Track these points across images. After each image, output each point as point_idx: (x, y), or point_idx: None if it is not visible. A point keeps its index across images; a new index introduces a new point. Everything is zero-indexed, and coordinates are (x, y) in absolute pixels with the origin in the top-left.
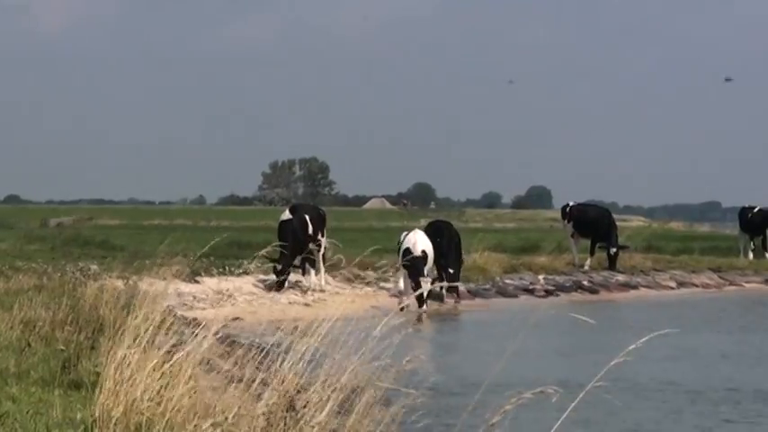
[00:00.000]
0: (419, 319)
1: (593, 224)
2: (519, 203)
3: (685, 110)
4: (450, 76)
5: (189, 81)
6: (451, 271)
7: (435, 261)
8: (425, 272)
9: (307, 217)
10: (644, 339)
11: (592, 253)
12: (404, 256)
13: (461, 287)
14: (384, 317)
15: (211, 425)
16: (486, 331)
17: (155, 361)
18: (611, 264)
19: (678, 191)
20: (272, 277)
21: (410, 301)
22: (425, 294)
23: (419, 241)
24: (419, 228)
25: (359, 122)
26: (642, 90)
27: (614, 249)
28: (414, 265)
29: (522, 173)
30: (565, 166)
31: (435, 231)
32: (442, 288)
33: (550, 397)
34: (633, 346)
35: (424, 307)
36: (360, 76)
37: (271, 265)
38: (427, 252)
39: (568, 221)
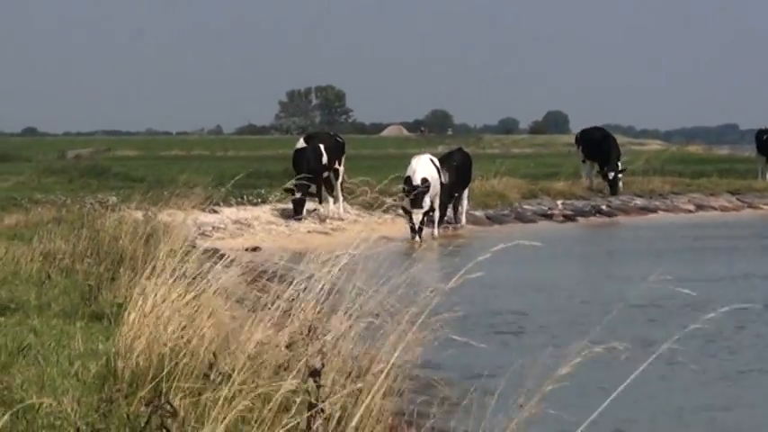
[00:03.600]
0: (413, 249)
1: (597, 147)
2: (536, 129)
3: (703, 32)
4: (464, 0)
5: (204, 10)
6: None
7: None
8: (428, 200)
9: (321, 146)
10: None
11: (602, 176)
12: (404, 183)
13: (480, 213)
14: (392, 247)
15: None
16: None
17: (178, 292)
18: (611, 188)
19: (696, 114)
20: (290, 206)
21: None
22: (417, 225)
23: (419, 170)
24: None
25: (375, 49)
26: (660, 12)
27: (611, 174)
28: (412, 195)
29: (539, 98)
30: (582, 91)
31: (441, 160)
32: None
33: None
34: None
35: (417, 237)
36: (373, 1)
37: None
38: (429, 180)
39: (579, 147)
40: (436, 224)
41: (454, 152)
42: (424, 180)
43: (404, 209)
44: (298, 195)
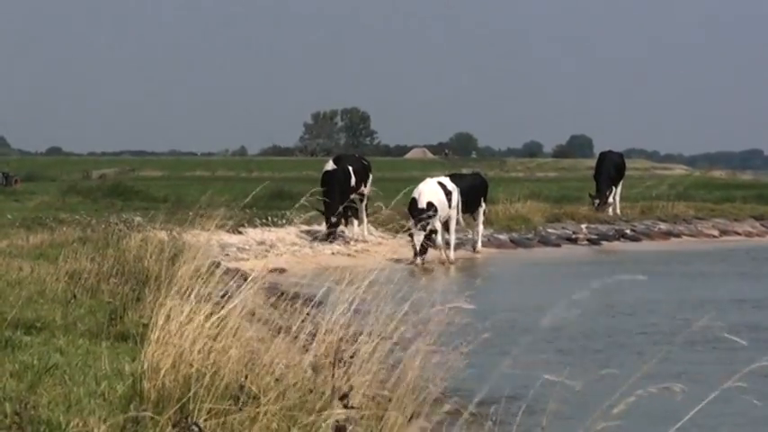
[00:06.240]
0: (413, 271)
1: (596, 168)
2: (560, 152)
3: (726, 57)
4: (488, 24)
5: (231, 33)
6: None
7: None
8: (435, 223)
9: (350, 168)
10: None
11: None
12: (410, 205)
13: (504, 237)
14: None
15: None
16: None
17: (204, 312)
18: (596, 207)
19: (719, 139)
20: (317, 228)
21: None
22: (418, 247)
23: (425, 192)
24: (437, 177)
25: (400, 72)
26: (682, 37)
27: (597, 201)
28: (415, 218)
29: (564, 122)
30: (606, 115)
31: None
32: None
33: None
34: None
35: (418, 259)
36: (398, 24)
37: (313, 214)
38: (434, 204)
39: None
40: (452, 248)
41: (458, 176)
42: (430, 204)
43: (411, 231)
44: (334, 220)
